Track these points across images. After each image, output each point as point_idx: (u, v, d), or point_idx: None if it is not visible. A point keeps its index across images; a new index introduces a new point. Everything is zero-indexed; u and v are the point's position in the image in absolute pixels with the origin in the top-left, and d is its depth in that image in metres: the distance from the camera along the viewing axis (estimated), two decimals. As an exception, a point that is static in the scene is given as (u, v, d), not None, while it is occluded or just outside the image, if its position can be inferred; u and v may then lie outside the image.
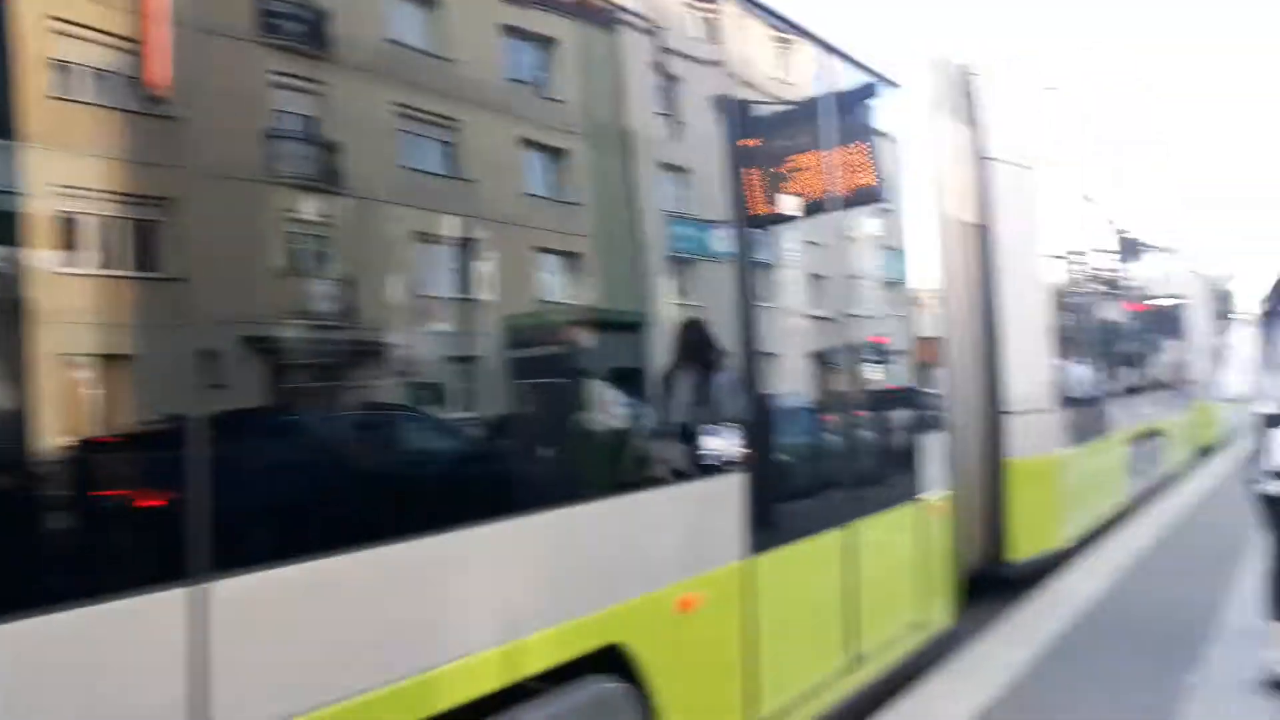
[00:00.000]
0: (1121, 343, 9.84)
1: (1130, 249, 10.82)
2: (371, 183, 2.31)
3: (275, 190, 2.11)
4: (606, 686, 2.75)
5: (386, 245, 2.34)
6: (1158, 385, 11.53)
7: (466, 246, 2.50)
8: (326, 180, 2.22)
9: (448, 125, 2.48)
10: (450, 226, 2.46)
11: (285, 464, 2.08)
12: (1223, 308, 18.28)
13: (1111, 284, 9.70)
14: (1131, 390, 10.04)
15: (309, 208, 2.20)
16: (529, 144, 2.73)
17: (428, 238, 2.42)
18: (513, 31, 2.69)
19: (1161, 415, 11.46)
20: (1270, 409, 4.62)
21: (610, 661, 2.80)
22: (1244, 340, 5.04)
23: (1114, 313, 9.53)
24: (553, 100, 2.83)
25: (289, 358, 2.12)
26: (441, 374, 2.44)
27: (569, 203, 2.86)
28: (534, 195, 2.75)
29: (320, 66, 2.20)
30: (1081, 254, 8.72)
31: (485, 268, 2.52)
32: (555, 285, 2.84)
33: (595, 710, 2.70)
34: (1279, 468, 4.48)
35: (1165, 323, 12.64)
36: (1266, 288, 5.06)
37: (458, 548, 2.35)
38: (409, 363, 2.35)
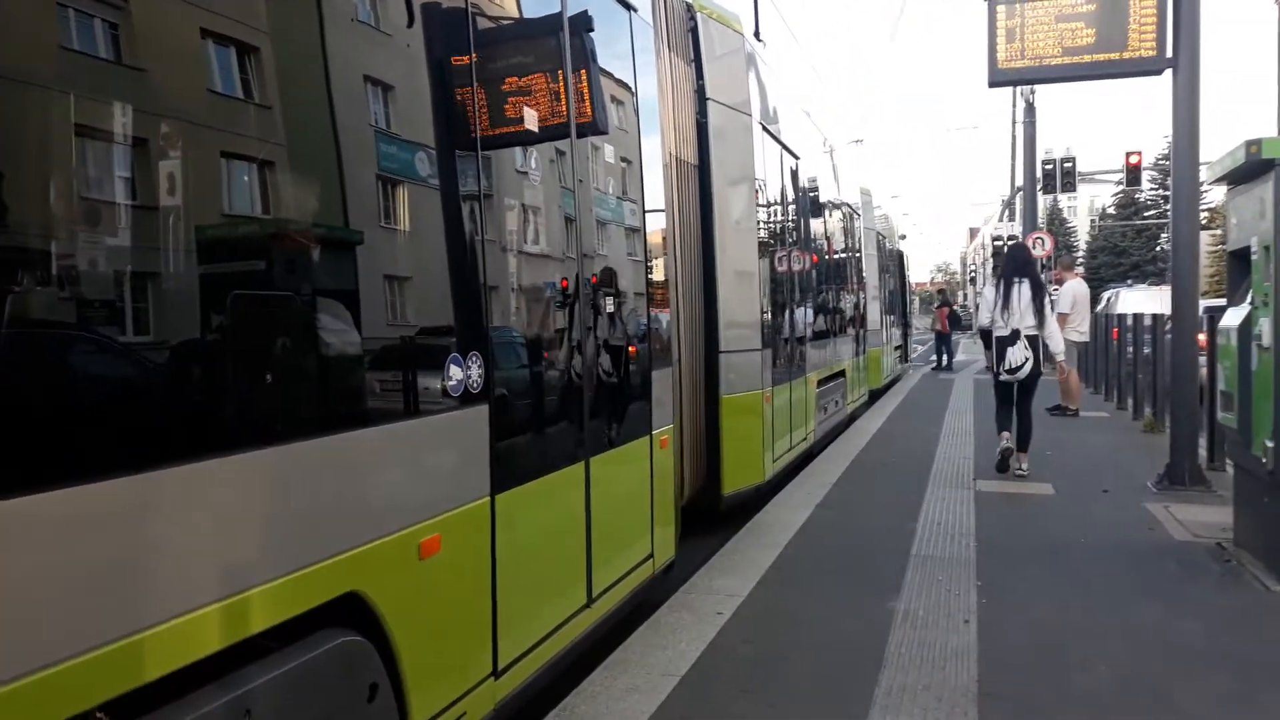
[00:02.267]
0: (812, 290, 10.45)
1: (823, 206, 11.52)
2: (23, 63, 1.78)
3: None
4: (344, 639, 2.42)
5: (43, 138, 1.81)
6: (840, 331, 12.43)
7: (144, 146, 2.01)
8: None
9: (119, 6, 1.97)
10: (123, 121, 1.96)
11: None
12: (893, 265, 20.10)
13: (806, 236, 10.24)
14: (819, 335, 10.71)
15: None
16: (212, 36, 2.24)
17: (95, 133, 1.91)
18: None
19: (843, 359, 12.38)
20: (1004, 333, 8.10)
21: (349, 614, 2.47)
22: (987, 290, 8.69)
23: (807, 263, 10.07)
24: None
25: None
26: (123, 292, 1.96)
27: (260, 105, 2.37)
28: (219, 93, 2.27)
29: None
30: (783, 206, 9.12)
31: (165, 171, 2.05)
32: (256, 196, 2.38)
33: (332, 665, 2.37)
34: (1009, 366, 8.05)
35: (848, 275, 13.64)
36: (999, 260, 9.59)
37: (161, 491, 1.93)
38: (82, 278, 1.86)
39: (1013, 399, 8.32)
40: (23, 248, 1.76)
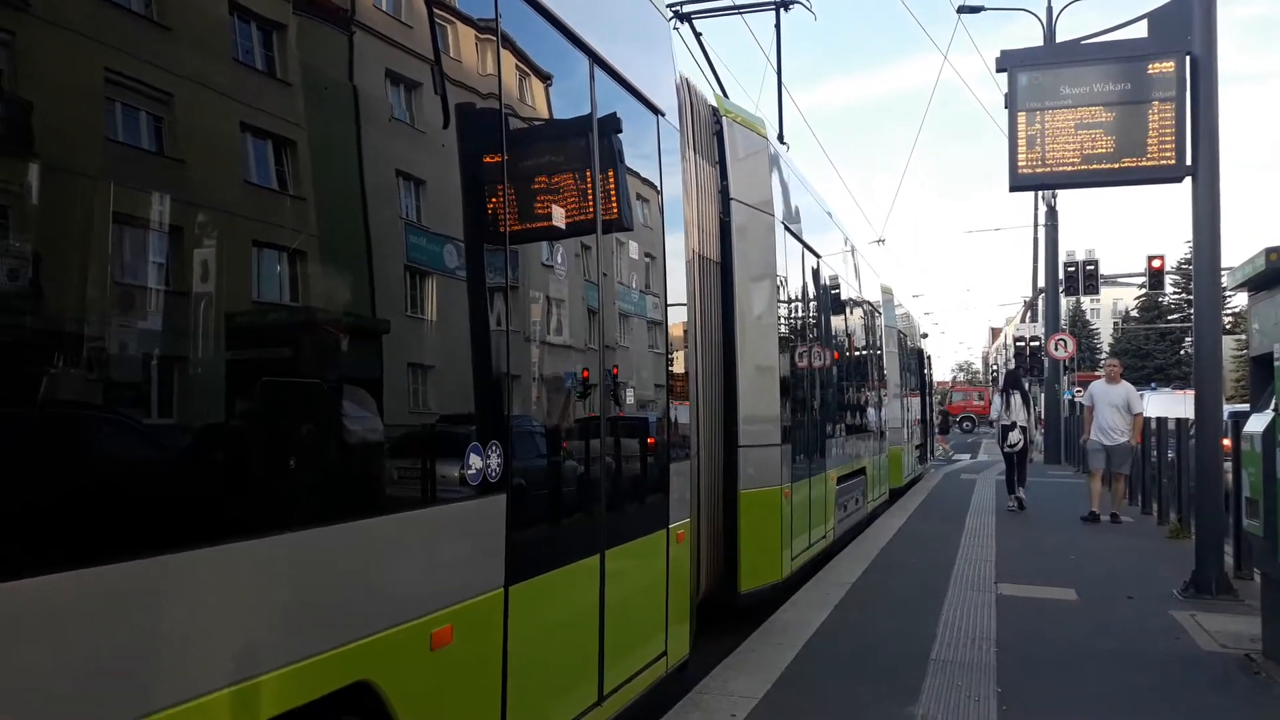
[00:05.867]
0: (833, 387, 10.46)
1: (844, 304, 11.60)
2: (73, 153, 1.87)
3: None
4: (353, 731, 2.40)
5: (85, 224, 1.89)
6: (861, 429, 12.38)
7: (179, 234, 2.08)
8: (16, 145, 1.76)
9: (164, 100, 2.07)
10: (162, 210, 2.04)
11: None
12: (914, 364, 20.09)
13: (827, 333, 10.30)
14: (840, 431, 10.68)
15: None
16: (250, 129, 2.32)
17: (133, 220, 1.99)
18: (240, 11, 2.29)
19: (863, 457, 12.31)
20: (1006, 424, 13.62)
21: (359, 703, 2.45)
22: (996, 397, 14.70)
23: (828, 359, 10.11)
24: (280, 84, 2.42)
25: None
26: (151, 375, 2.01)
27: (295, 196, 2.45)
28: (255, 185, 2.35)
29: (15, 15, 1.75)
30: (804, 303, 9.20)
31: (200, 259, 2.12)
32: (285, 284, 2.44)
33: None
34: (1010, 443, 13.46)
35: (869, 373, 13.65)
36: (1001, 374, 18.10)
37: (174, 575, 1.95)
38: (111, 361, 1.91)
39: (1014, 463, 13.57)
40: (56, 331, 1.82)
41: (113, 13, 1.96)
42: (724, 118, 7.31)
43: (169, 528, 1.97)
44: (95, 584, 1.78)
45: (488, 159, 3.30)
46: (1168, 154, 8.07)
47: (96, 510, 1.83)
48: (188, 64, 2.10)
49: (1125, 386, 12.48)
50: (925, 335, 26.48)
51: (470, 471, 2.99)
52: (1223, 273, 8.50)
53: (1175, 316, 56.94)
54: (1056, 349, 24.61)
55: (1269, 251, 5.29)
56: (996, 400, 14.27)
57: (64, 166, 1.83)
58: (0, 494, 1.65)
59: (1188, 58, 7.88)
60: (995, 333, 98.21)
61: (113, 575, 1.81)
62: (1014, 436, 13.33)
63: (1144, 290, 41.23)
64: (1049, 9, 22.35)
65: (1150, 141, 8.18)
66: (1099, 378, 13.89)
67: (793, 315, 8.63)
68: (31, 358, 1.77)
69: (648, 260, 4.96)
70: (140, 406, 1.99)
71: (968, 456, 31.28)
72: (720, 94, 8.52)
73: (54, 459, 1.78)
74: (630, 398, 4.51)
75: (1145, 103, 8.15)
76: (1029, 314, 34.79)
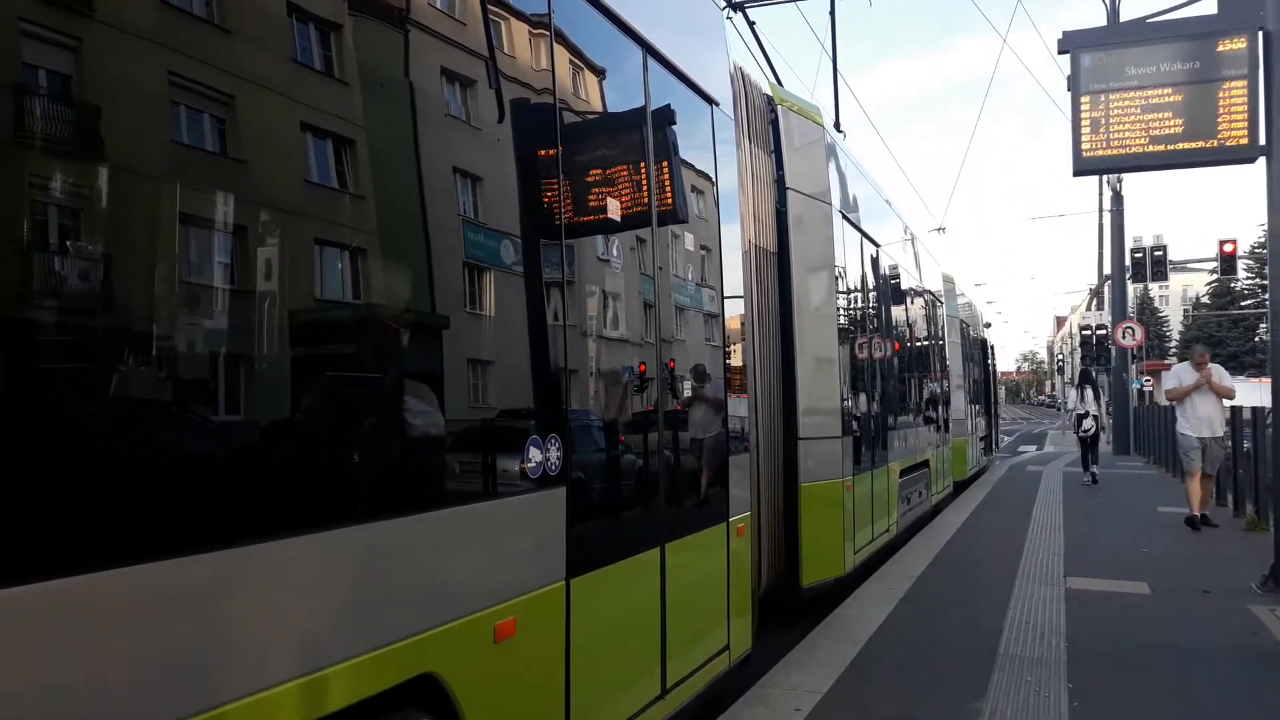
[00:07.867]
0: (894, 378, 10.32)
1: (904, 294, 11.44)
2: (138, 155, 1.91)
3: (23, 155, 1.68)
4: (418, 723, 2.42)
5: (151, 224, 1.92)
6: (923, 420, 12.21)
7: (242, 233, 2.11)
8: (84, 149, 1.80)
9: (226, 101, 2.10)
10: (225, 210, 2.06)
11: (20, 468, 1.63)
12: (977, 354, 19.78)
13: (887, 324, 10.16)
14: (902, 423, 10.54)
15: (63, 179, 1.76)
16: (310, 129, 2.34)
17: (198, 220, 2.01)
18: (298, 12, 2.32)
19: (926, 449, 12.13)
20: (1081, 412, 16.44)
21: (424, 697, 2.47)
22: (1072, 390, 19.38)
23: (888, 350, 9.97)
24: (339, 84, 2.44)
25: (31, 350, 1.68)
26: (219, 372, 2.04)
27: (355, 195, 2.47)
28: (316, 183, 2.37)
29: (82, 21, 1.79)
30: (863, 293, 9.09)
31: (263, 257, 2.15)
32: (347, 281, 2.46)
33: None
34: (1084, 429, 16.21)
35: (931, 363, 13.45)
36: (1068, 365, 24.61)
37: (243, 568, 1.98)
38: (180, 358, 1.94)
39: (1087, 445, 16.16)
40: (127, 329, 1.86)
41: (175, 17, 1.99)
42: (779, 106, 7.24)
43: (239, 522, 2.00)
44: (167, 576, 1.81)
45: (543, 153, 3.30)
46: (1240, 134, 7.79)
47: (166, 505, 1.86)
48: (248, 66, 2.13)
49: (1217, 369, 11.01)
50: (988, 325, 26.01)
51: (530, 464, 3.00)
52: (1300, 255, 8.19)
53: (1249, 302, 55.25)
54: (1124, 337, 24.04)
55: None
56: (1073, 393, 17.95)
57: (130, 168, 1.87)
58: (73, 490, 1.69)
59: (1260, 33, 7.61)
60: (1060, 321, 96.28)
61: (184, 568, 1.84)
62: (1087, 423, 15.99)
63: (1215, 276, 39.98)
64: (1112, -12, 21.77)
65: (1221, 121, 7.91)
66: (1168, 367, 13.27)
67: (852, 306, 8.53)
68: (103, 355, 1.81)
69: (703, 252, 4.93)
70: (209, 403, 2.03)
71: (1034, 448, 30.73)
72: (775, 82, 8.46)
73: (129, 455, 1.82)
74: (687, 390, 4.49)
75: (1215, 81, 7.88)
76: (1095, 302, 34.02)
